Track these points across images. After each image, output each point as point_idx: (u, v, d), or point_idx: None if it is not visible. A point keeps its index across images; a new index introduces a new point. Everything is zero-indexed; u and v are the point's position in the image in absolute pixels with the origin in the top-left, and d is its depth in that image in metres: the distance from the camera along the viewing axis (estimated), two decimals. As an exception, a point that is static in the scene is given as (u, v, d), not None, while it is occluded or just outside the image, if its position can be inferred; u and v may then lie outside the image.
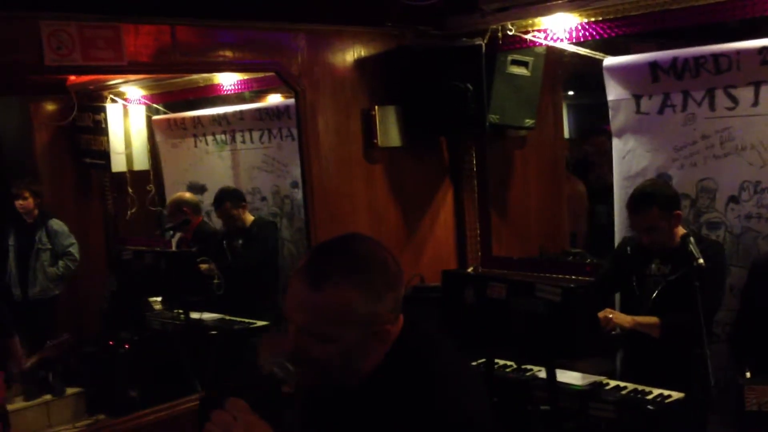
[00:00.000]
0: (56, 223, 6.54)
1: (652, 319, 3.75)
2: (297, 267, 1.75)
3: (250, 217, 5.99)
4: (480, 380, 1.88)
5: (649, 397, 3.52)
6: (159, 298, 5.98)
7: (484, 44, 4.85)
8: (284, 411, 1.70)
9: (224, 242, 5.96)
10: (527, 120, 5.16)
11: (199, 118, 6.71)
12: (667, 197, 3.85)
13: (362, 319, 1.69)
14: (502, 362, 3.98)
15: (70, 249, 6.54)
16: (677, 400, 3.49)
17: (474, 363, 3.84)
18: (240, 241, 5.92)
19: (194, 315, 5.39)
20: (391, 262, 1.75)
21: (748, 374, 3.30)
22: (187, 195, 6.38)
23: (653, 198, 3.81)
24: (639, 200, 3.87)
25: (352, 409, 1.77)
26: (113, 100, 6.70)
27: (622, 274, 4.05)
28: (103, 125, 6.61)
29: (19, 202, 6.44)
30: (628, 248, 4.10)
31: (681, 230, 3.89)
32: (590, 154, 6.99)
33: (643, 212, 3.81)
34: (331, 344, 1.69)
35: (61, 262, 6.51)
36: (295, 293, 1.71)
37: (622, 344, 4.14)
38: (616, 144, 4.80)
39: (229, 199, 5.94)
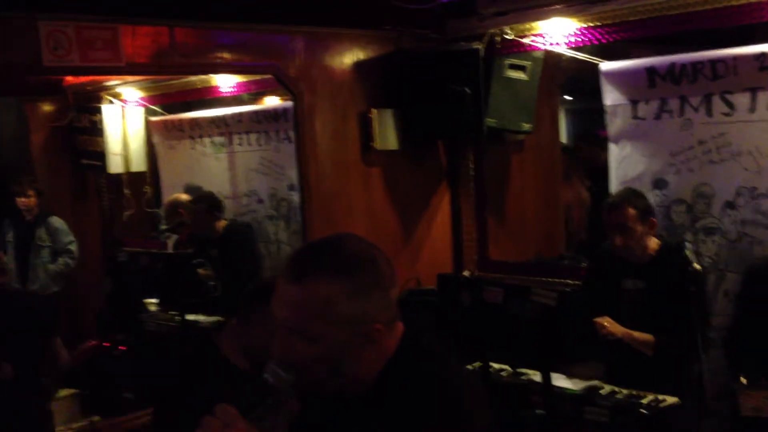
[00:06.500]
0: (56, 221, 6.54)
1: (647, 337, 3.74)
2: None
3: (222, 224, 5.85)
4: (484, 392, 1.82)
5: (644, 401, 3.53)
6: (155, 300, 5.97)
7: (482, 48, 4.86)
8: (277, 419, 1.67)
9: (202, 253, 5.78)
10: (525, 124, 5.16)
11: (196, 119, 6.71)
12: (642, 203, 3.86)
13: (347, 319, 1.63)
14: (497, 366, 3.98)
15: (70, 246, 6.53)
16: (671, 405, 3.50)
17: (469, 366, 3.83)
18: (215, 250, 5.77)
19: (190, 317, 5.39)
20: (382, 262, 1.70)
21: (743, 380, 3.31)
22: (184, 197, 6.37)
23: (629, 199, 3.84)
24: (614, 199, 3.91)
25: (356, 419, 1.73)
26: (110, 101, 6.69)
27: (597, 288, 4.04)
28: (100, 126, 6.60)
29: (21, 200, 6.44)
30: (601, 261, 4.09)
31: (655, 242, 3.88)
32: None
33: (618, 210, 3.81)
34: (316, 344, 1.63)
35: (60, 260, 6.51)
36: (279, 289, 1.67)
37: (618, 349, 4.14)
38: (613, 149, 4.80)
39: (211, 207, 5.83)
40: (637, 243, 3.81)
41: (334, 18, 4.89)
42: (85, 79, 6.29)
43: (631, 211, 3.78)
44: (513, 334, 3.59)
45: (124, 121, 6.71)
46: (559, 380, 3.71)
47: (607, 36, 4.47)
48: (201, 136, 6.72)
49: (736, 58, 4.19)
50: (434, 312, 4.14)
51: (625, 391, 3.64)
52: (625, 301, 3.87)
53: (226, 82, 5.96)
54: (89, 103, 6.68)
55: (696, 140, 4.42)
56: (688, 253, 3.49)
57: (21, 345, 4.25)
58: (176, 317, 5.49)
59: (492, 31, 4.90)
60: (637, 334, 3.75)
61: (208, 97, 6.40)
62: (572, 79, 6.17)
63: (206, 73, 5.59)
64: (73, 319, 6.59)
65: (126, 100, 6.71)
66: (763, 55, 4.08)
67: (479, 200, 5.51)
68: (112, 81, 6.37)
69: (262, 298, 2.75)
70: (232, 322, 2.88)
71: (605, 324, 3.73)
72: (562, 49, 4.76)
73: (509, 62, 4.99)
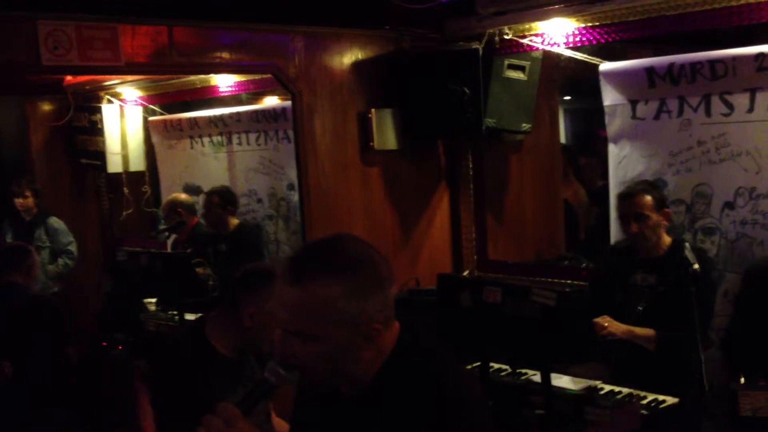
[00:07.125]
0: (55, 221, 6.55)
1: (648, 332, 3.74)
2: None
3: (234, 221, 5.94)
4: (482, 392, 1.84)
5: (644, 402, 3.53)
6: (154, 300, 5.97)
7: (481, 48, 4.86)
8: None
9: (209, 248, 5.87)
10: (524, 124, 5.16)
11: (195, 119, 6.71)
12: (657, 193, 3.93)
13: (347, 318, 1.64)
14: (497, 366, 3.98)
15: (69, 247, 6.54)
16: (671, 405, 3.50)
17: (469, 367, 3.84)
18: (223, 246, 5.84)
19: (189, 316, 5.38)
20: (380, 262, 1.71)
21: (742, 380, 3.31)
22: (183, 196, 6.37)
23: (646, 188, 3.91)
24: (630, 188, 3.97)
25: (354, 417, 1.74)
26: (110, 101, 6.69)
27: (607, 283, 4.05)
28: (100, 126, 6.61)
29: (19, 200, 6.45)
30: (612, 257, 4.10)
31: (667, 239, 3.89)
32: None
33: (635, 197, 3.86)
34: (316, 344, 1.64)
35: (60, 260, 6.52)
36: (279, 290, 1.68)
37: (617, 349, 4.14)
38: (612, 149, 4.81)
39: (226, 203, 5.88)
40: (653, 231, 3.85)
41: (334, 18, 4.89)
42: (85, 78, 6.30)
43: (647, 198, 3.83)
44: (513, 335, 3.58)
45: (124, 120, 6.72)
46: (559, 380, 3.70)
47: (606, 36, 4.47)
48: (200, 136, 6.72)
49: (734, 59, 4.19)
50: (434, 312, 4.13)
51: (625, 391, 3.64)
52: (634, 296, 3.88)
53: (225, 82, 5.96)
54: (89, 102, 6.69)
55: (695, 140, 4.42)
56: (687, 253, 3.50)
57: (22, 345, 4.26)
58: (175, 317, 5.48)
59: (491, 31, 4.89)
60: (638, 330, 3.75)
61: (207, 97, 6.40)
62: (571, 79, 6.17)
63: (206, 72, 5.59)
64: (72, 319, 6.60)
65: (125, 100, 6.72)
66: (761, 55, 4.08)
67: (478, 200, 5.51)
68: (112, 80, 6.37)
69: (251, 285, 2.77)
70: (219, 312, 2.88)
71: (605, 324, 3.73)
72: (561, 49, 4.76)
73: (508, 62, 4.99)
